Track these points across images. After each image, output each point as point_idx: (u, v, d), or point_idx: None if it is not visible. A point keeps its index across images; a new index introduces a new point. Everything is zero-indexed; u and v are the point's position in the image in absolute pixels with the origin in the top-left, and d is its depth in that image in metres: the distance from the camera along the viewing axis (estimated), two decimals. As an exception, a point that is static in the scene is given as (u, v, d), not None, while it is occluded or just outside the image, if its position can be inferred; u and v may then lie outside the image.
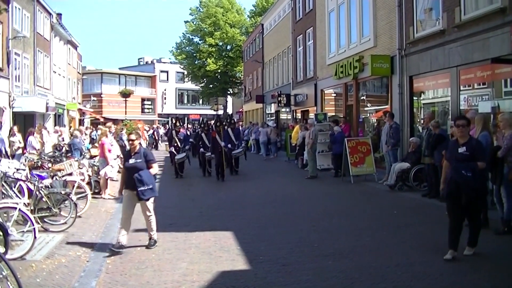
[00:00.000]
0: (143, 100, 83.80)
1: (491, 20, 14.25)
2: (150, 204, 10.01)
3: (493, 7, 14.24)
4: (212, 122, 25.74)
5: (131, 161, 9.80)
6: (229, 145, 22.42)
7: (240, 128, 40.93)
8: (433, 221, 11.69)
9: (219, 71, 63.57)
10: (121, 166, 23.45)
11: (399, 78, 19.96)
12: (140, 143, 10.37)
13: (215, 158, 21.86)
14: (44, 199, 11.41)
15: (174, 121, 25.36)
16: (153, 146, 45.80)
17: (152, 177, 10.03)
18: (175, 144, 23.02)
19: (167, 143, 26.94)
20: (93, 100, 69.58)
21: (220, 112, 67.33)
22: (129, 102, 73.81)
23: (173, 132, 23.90)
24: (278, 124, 41.89)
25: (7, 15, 30.14)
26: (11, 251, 8.66)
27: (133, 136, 10.08)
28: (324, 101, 30.60)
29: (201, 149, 23.71)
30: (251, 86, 55.33)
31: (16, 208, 9.22)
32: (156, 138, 47.76)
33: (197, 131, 30.60)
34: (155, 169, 10.19)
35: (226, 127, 23.05)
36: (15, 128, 23.69)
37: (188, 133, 35.86)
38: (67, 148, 20.39)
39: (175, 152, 22.92)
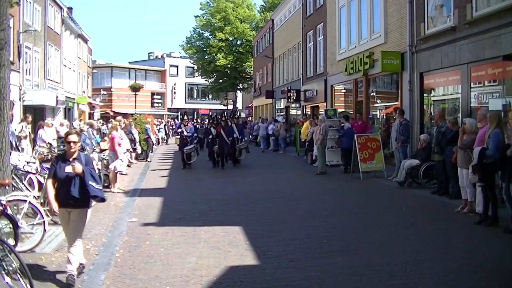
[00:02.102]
0: (152, 94, 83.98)
1: (502, 17, 14.16)
2: (86, 216, 8.01)
3: (505, 4, 14.12)
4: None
5: (68, 168, 7.58)
6: (231, 138, 24.05)
7: (250, 123, 41.35)
8: (442, 219, 11.68)
9: (229, 66, 63.50)
10: (131, 160, 23.79)
11: (409, 75, 19.88)
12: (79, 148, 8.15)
13: (219, 149, 23.81)
14: (54, 192, 11.45)
15: (182, 116, 27.06)
16: (164, 140, 46.03)
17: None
18: (183, 135, 24.70)
19: (177, 136, 27.80)
20: (103, 94, 69.86)
21: (230, 107, 67.38)
22: (139, 96, 74.04)
23: (182, 125, 25.40)
24: (288, 120, 41.88)
25: (18, 9, 30.24)
26: (21, 244, 8.72)
27: (74, 138, 7.75)
28: (334, 97, 30.55)
29: (210, 141, 25.24)
30: (261, 81, 55.23)
31: (26, 200, 9.27)
32: (167, 132, 47.89)
33: (206, 125, 31.17)
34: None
35: (229, 122, 24.69)
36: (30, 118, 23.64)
37: (198, 126, 36.32)
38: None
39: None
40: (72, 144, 7.68)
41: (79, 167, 7.47)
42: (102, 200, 7.91)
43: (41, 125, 22.55)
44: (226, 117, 25.83)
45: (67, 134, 7.91)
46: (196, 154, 24.87)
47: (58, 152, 16.92)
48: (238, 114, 28.66)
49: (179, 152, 25.60)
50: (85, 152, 13.83)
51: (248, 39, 63.56)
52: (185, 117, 25.96)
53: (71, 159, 7.66)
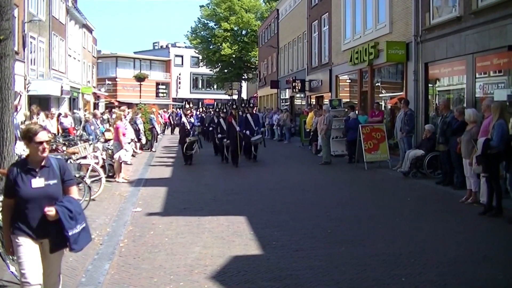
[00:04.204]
0: (157, 84, 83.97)
1: (508, 6, 14.05)
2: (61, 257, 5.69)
3: (511, -6, 14.07)
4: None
5: (37, 182, 5.32)
6: (248, 132, 21.67)
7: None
8: (446, 209, 11.66)
9: (234, 56, 63.36)
10: (136, 150, 23.78)
11: (414, 65, 19.81)
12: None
13: (230, 143, 21.27)
14: (58, 182, 11.44)
15: (184, 105, 24.37)
16: (170, 130, 46.11)
17: (81, 207, 5.73)
18: (185, 127, 21.99)
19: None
20: (108, 84, 69.88)
21: (235, 97, 67.28)
22: (144, 86, 73.82)
23: (182, 116, 23.27)
24: (293, 110, 41.86)
25: (23, -1, 30.22)
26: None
27: (44, 135, 5.38)
28: (339, 87, 30.49)
29: (219, 135, 22.94)
30: (266, 71, 55.14)
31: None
32: (173, 122, 47.89)
33: (211, 115, 30.30)
34: (75, 195, 5.69)
35: (241, 112, 22.44)
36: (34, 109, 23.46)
37: (204, 115, 35.81)
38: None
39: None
40: (44, 144, 5.36)
41: (51, 213, 5.20)
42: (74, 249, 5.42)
43: (46, 115, 22.63)
44: (238, 106, 23.04)
45: (34, 132, 5.36)
46: (199, 146, 22.49)
47: (63, 143, 16.92)
48: (252, 102, 27.05)
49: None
50: (59, 155, 13.67)
51: (253, 29, 63.35)
52: (187, 105, 23.52)
53: (37, 168, 5.39)
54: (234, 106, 22.66)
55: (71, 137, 19.13)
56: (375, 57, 23.26)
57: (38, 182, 5.30)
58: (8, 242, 5.44)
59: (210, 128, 27.19)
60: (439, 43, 17.98)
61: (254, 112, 24.60)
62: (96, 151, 16.01)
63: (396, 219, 10.75)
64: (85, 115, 26.68)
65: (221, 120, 23.09)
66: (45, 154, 5.38)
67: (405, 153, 17.28)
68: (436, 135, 15.24)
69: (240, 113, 22.39)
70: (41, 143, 5.31)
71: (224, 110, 23.99)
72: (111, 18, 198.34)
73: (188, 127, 21.82)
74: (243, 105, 23.42)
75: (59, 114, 23.06)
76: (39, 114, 22.21)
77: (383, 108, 23.31)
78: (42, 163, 5.40)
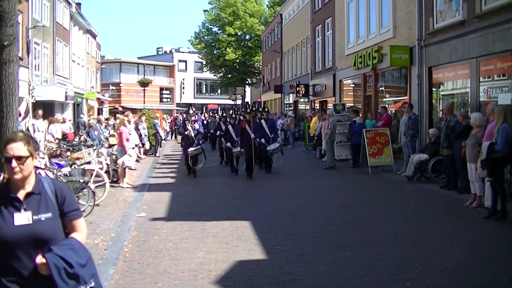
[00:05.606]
0: (161, 89, 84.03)
1: (512, 10, 14.09)
2: None
3: (514, -2, 14.06)
4: (243, 111, 22.37)
5: (21, 217, 3.58)
6: (263, 140, 19.29)
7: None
8: (451, 213, 11.65)
9: (237, 60, 63.47)
10: (140, 155, 23.78)
11: (418, 69, 19.81)
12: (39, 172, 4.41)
13: (244, 152, 18.95)
14: (62, 187, 11.44)
15: (187, 110, 21.57)
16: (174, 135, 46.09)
17: (89, 254, 3.97)
18: (189, 135, 19.30)
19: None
20: (112, 89, 69.89)
21: (239, 102, 67.32)
22: (148, 91, 73.89)
23: (186, 121, 20.14)
24: (297, 115, 41.87)
25: (27, 5, 30.25)
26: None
27: (15, 148, 3.56)
28: (343, 92, 30.48)
29: (228, 144, 20.86)
30: (270, 76, 55.20)
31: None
32: (173, 129, 47.80)
33: (216, 121, 29.90)
34: (82, 233, 3.97)
35: (256, 118, 19.78)
36: (40, 112, 23.37)
37: (209, 120, 35.50)
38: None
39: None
40: (14, 163, 3.54)
41: (43, 266, 3.49)
42: None
43: (51, 120, 22.69)
44: (252, 110, 20.21)
45: (5, 141, 3.65)
46: (203, 158, 19.76)
47: (67, 148, 16.92)
48: (267, 107, 23.99)
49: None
50: (63, 160, 13.43)
51: (257, 34, 63.52)
52: (191, 111, 20.64)
53: (22, 197, 3.65)
54: (249, 110, 20.36)
55: (74, 142, 19.17)
56: (378, 62, 23.26)
57: (22, 218, 3.58)
58: None
59: (217, 134, 25.55)
60: (443, 47, 17.97)
61: (269, 117, 22.07)
62: (100, 157, 16.05)
63: (400, 223, 10.73)
64: (89, 120, 26.73)
65: (230, 127, 21.15)
66: (17, 177, 3.57)
67: (409, 157, 17.26)
68: (440, 139, 15.23)
69: (254, 117, 19.81)
70: (10, 160, 3.54)
71: (233, 116, 21.82)
72: (115, 23, 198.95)
73: (193, 135, 19.29)
74: (254, 109, 20.88)
75: (51, 121, 22.95)
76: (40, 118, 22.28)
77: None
78: (27, 188, 3.68)
